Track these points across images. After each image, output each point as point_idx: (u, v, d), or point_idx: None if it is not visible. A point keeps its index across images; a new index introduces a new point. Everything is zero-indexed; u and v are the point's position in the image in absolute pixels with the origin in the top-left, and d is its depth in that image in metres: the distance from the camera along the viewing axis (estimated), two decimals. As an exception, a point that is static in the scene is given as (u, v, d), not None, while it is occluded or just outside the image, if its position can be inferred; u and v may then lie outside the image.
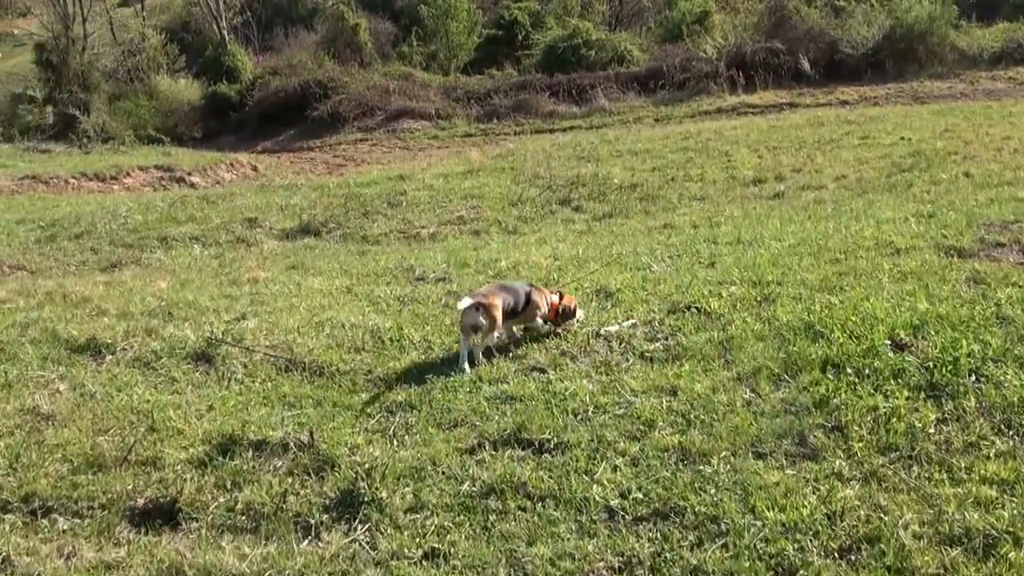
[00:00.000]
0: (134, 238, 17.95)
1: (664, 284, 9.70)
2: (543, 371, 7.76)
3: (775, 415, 6.51)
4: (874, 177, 17.45)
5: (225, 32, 50.09)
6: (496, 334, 8.20)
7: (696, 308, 8.70)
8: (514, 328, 8.56)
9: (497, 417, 6.94)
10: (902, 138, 21.19)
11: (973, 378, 6.66)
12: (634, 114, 35.57)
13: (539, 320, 8.54)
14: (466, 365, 7.92)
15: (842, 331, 7.56)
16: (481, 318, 7.93)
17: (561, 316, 8.58)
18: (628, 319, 8.69)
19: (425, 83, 42.20)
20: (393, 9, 55.44)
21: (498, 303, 8.03)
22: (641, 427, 6.55)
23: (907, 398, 6.47)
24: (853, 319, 7.74)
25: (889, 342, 7.30)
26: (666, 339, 8.15)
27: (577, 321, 8.67)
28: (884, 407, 6.38)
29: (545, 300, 8.50)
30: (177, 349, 8.90)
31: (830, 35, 38.64)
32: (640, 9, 52.33)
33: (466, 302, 7.89)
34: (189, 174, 31.20)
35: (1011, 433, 6.03)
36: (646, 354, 7.88)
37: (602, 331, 8.43)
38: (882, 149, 20.27)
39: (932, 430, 6.13)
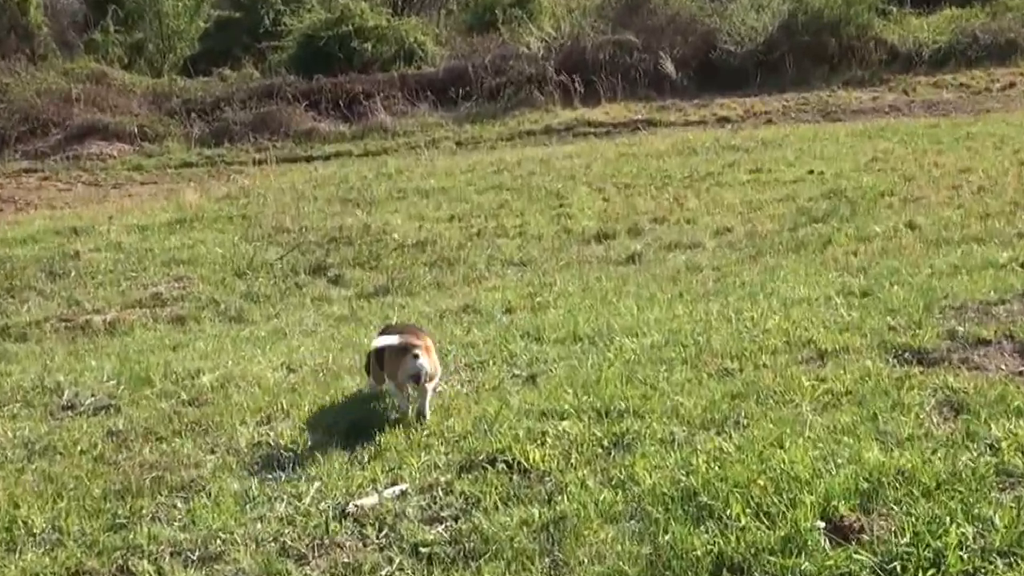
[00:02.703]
0: None
1: (457, 415, 8.48)
2: (245, 593, 6.33)
3: None
4: (773, 231, 16.81)
5: None
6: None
7: (506, 461, 7.42)
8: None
9: None
10: (811, 172, 20.82)
11: (973, 594, 5.50)
12: (427, 135, 34.70)
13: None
14: None
15: (744, 505, 6.34)
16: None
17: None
18: (395, 483, 7.39)
19: (126, 87, 40.58)
20: (83, -19, 54.25)
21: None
22: None
23: (863, 635, 5.30)
24: (760, 482, 6.55)
25: (823, 524, 6.10)
26: (456, 520, 6.81)
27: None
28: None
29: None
30: None
31: (705, 25, 38.52)
32: (438, -14, 51.91)
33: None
34: None
35: None
36: (422, 548, 6.48)
37: (351, 506, 7.08)
38: (783, 188, 19.79)
39: None
